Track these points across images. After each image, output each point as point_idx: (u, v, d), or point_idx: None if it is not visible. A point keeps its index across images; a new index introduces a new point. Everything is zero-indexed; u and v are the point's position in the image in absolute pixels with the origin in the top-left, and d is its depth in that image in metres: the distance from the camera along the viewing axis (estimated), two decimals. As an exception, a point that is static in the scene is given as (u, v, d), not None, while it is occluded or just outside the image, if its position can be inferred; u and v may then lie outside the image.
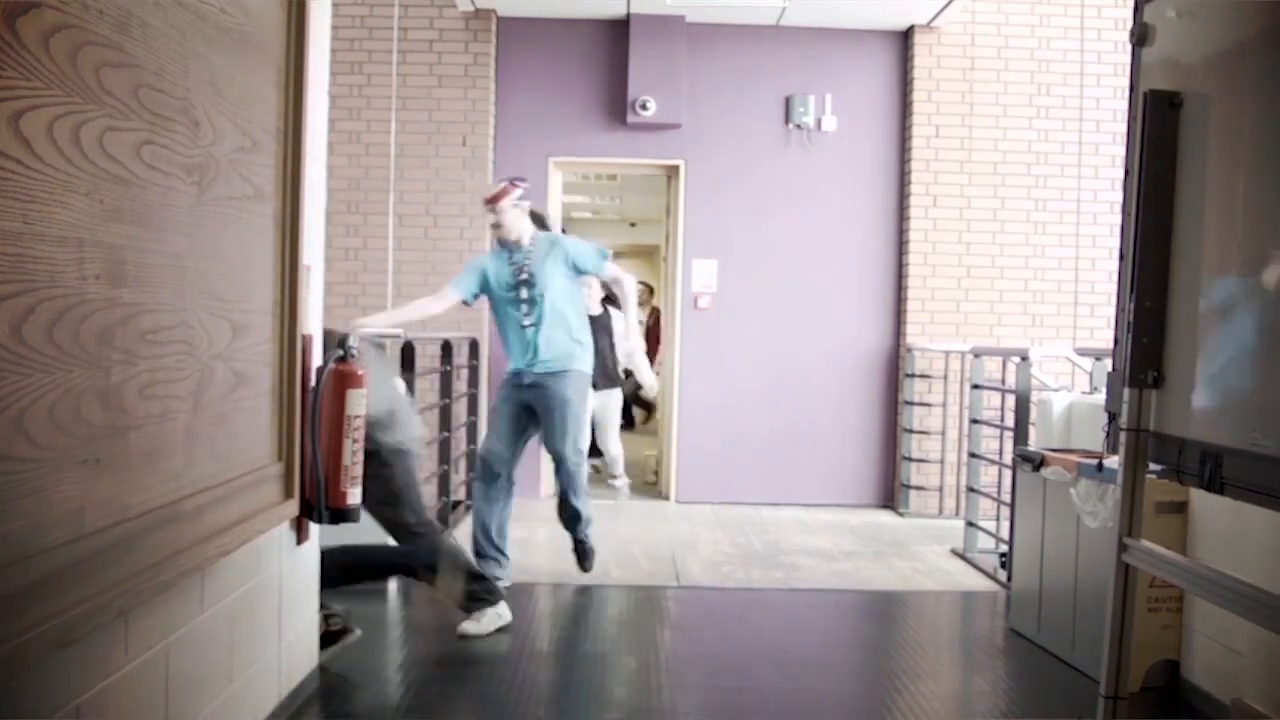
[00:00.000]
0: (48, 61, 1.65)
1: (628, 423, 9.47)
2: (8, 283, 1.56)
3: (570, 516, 4.78)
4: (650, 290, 11.07)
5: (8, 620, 1.57)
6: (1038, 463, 4.00)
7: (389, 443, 3.59)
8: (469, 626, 3.88)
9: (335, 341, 3.21)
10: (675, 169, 7.22)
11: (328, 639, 3.45)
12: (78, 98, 1.74)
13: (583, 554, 4.86)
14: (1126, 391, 2.44)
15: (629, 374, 7.00)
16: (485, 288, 4.71)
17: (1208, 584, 2.33)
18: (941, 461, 6.88)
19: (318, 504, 3.08)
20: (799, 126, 7.11)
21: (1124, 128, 2.64)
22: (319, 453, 3.06)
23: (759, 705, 3.36)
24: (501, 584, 4.49)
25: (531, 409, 4.65)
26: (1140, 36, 2.57)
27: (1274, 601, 2.06)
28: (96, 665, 1.94)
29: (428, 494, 5.80)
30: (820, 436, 7.12)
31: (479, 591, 3.92)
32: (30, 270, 1.62)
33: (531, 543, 5.59)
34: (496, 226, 4.63)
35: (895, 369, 7.15)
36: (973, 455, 5.68)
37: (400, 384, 4.06)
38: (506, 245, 4.65)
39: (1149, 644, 3.43)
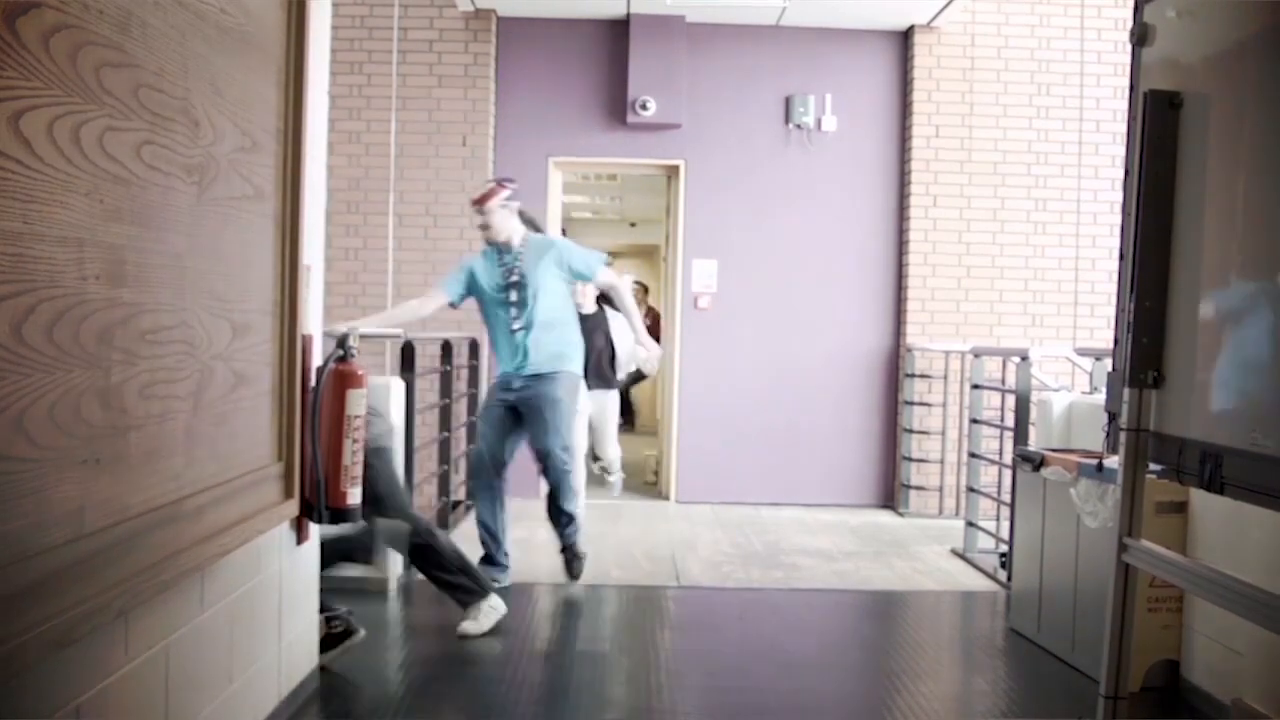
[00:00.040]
0: (48, 61, 1.65)
1: (627, 422, 9.42)
2: (8, 283, 1.56)
3: (557, 518, 4.73)
4: (645, 290, 11.07)
5: (8, 620, 1.57)
6: (1038, 463, 4.00)
7: (368, 441, 3.58)
8: (468, 626, 3.88)
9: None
10: (675, 169, 7.22)
11: (329, 641, 3.45)
12: (78, 98, 1.74)
13: (571, 559, 4.77)
14: (1126, 391, 2.44)
15: (640, 376, 7.03)
16: (473, 289, 4.64)
17: (1208, 584, 2.33)
18: (941, 461, 6.88)
19: (318, 504, 3.08)
20: (799, 126, 7.12)
21: (1124, 128, 2.64)
22: (319, 453, 3.06)
23: (759, 705, 3.36)
24: (500, 585, 4.50)
25: (518, 412, 4.60)
26: (1140, 36, 2.57)
27: (1274, 601, 2.06)
28: (96, 665, 1.94)
29: (427, 494, 5.84)
30: (820, 436, 7.12)
31: (467, 584, 3.90)
32: (30, 270, 1.62)
33: (531, 543, 5.59)
34: (485, 228, 4.58)
35: (895, 369, 7.15)
36: (973, 455, 5.68)
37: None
38: (496, 246, 4.60)
39: (1149, 644, 3.43)
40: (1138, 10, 2.58)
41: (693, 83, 7.07)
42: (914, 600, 4.75)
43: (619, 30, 7.08)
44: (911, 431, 6.92)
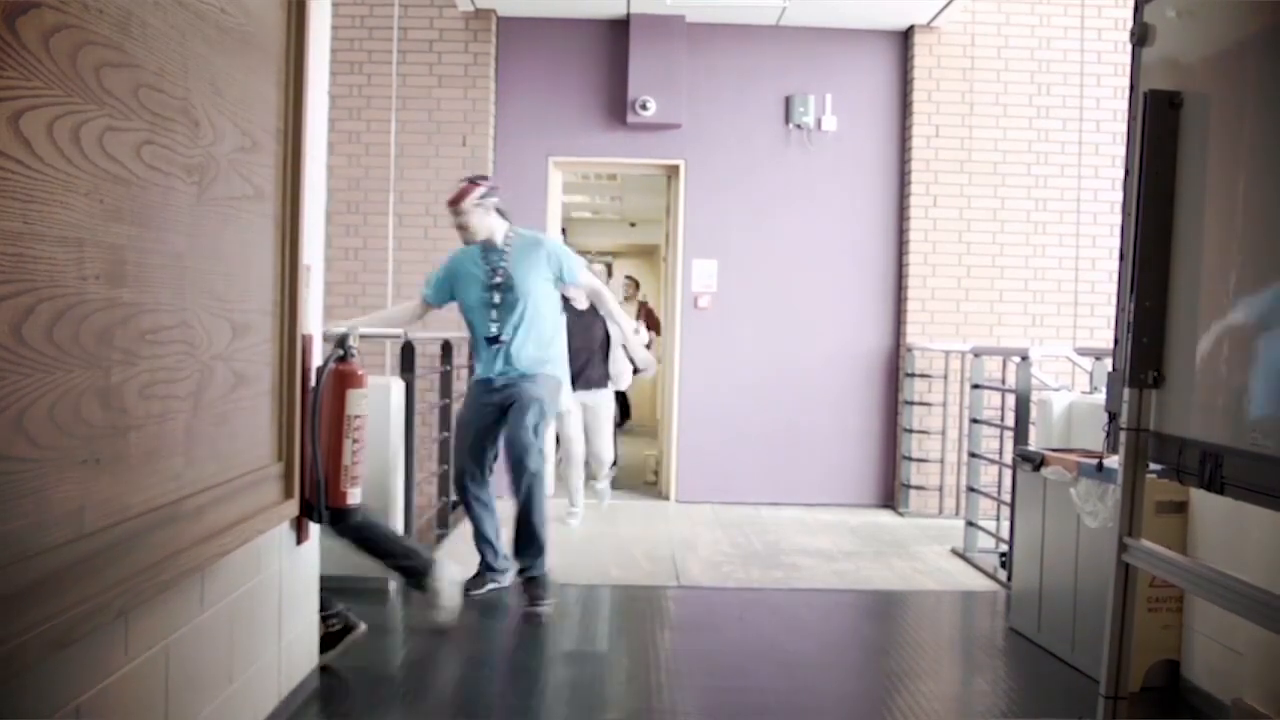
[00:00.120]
0: (48, 61, 1.65)
1: (620, 421, 9.34)
2: (8, 283, 1.56)
3: (526, 540, 4.31)
4: (636, 285, 11.06)
5: (8, 620, 1.57)
6: (1038, 462, 4.00)
7: None
8: (445, 615, 3.89)
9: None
10: (675, 169, 7.22)
11: (328, 640, 3.44)
12: (78, 98, 1.74)
13: (535, 588, 4.31)
14: (1126, 391, 2.44)
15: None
16: (455, 290, 4.48)
17: (1208, 584, 2.33)
18: (941, 461, 6.88)
19: (318, 504, 3.08)
20: (799, 126, 7.12)
21: (1124, 128, 2.64)
22: (319, 453, 3.07)
23: (759, 705, 3.36)
24: (501, 586, 4.47)
25: (503, 410, 4.37)
26: (1140, 36, 2.57)
27: (1274, 601, 2.06)
28: (96, 665, 1.94)
29: (428, 494, 5.83)
30: (820, 436, 7.12)
31: (412, 564, 3.88)
32: (30, 270, 1.62)
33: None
34: (462, 228, 4.39)
35: (895, 369, 7.15)
36: (973, 455, 5.68)
37: None
38: (479, 245, 4.43)
39: (1149, 644, 3.43)
40: (1138, 10, 2.58)
41: (693, 83, 7.07)
42: (914, 600, 4.75)
43: (619, 30, 7.08)
44: (911, 431, 6.92)
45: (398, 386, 4.68)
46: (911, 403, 6.92)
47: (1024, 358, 5.14)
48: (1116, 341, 2.57)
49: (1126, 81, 2.65)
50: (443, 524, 5.70)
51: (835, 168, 7.15)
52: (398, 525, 4.66)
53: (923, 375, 6.92)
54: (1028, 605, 4.10)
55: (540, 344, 4.39)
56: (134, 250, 1.96)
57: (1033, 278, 7.05)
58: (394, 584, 4.53)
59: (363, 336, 4.15)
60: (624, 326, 4.85)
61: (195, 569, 2.27)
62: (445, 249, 6.88)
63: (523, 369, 4.37)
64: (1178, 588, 3.31)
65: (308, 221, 2.96)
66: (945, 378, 6.86)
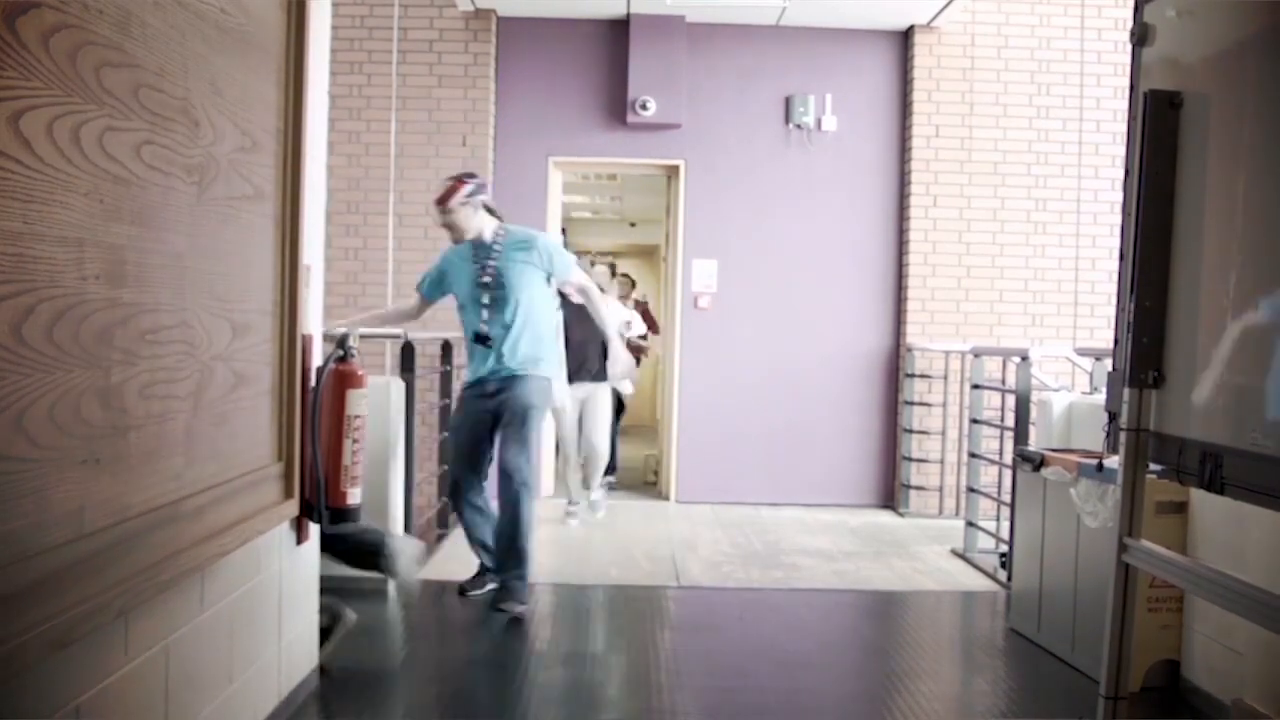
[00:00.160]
0: (48, 61, 1.65)
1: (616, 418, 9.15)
2: (8, 283, 1.56)
3: (509, 554, 4.23)
4: (632, 283, 11.02)
5: (8, 620, 1.57)
6: (1038, 463, 4.00)
7: None
8: (405, 586, 4.05)
9: None
10: (675, 169, 7.22)
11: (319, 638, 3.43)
12: (78, 98, 1.74)
13: (507, 594, 4.22)
14: (1126, 391, 2.44)
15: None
16: (447, 287, 4.43)
17: (1208, 584, 2.33)
18: (941, 461, 6.88)
19: (318, 504, 3.08)
20: (799, 126, 7.12)
21: (1124, 128, 2.64)
22: (319, 453, 3.06)
23: (759, 705, 3.36)
24: (496, 588, 4.43)
25: (497, 415, 4.31)
26: (1140, 36, 2.57)
27: (1274, 601, 2.06)
28: (96, 665, 1.94)
29: (427, 494, 5.84)
30: (820, 436, 7.12)
31: (371, 545, 3.92)
32: (30, 270, 1.62)
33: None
34: (450, 228, 4.31)
35: (895, 369, 7.15)
36: (973, 455, 5.68)
37: None
38: (470, 243, 4.34)
39: (1149, 644, 3.43)
40: (1138, 10, 2.58)
41: (693, 83, 7.07)
42: (914, 600, 4.75)
43: (619, 30, 7.08)
44: (911, 431, 6.92)
45: (398, 386, 4.68)
46: (911, 403, 6.92)
47: (1024, 358, 5.14)
48: (1116, 341, 2.57)
49: (1126, 81, 2.65)
50: (443, 524, 5.70)
51: (835, 168, 7.15)
52: (398, 525, 4.66)
53: (923, 375, 6.92)
54: (1028, 605, 4.10)
55: (533, 342, 4.31)
56: (134, 250, 1.96)
57: (1033, 278, 7.05)
58: (393, 584, 4.53)
59: (363, 336, 4.16)
60: (609, 331, 4.73)
61: (195, 569, 2.27)
62: (445, 249, 6.90)
63: (514, 368, 4.29)
64: (1178, 588, 3.31)
65: (308, 221, 2.96)
66: (945, 378, 6.86)
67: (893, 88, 7.18)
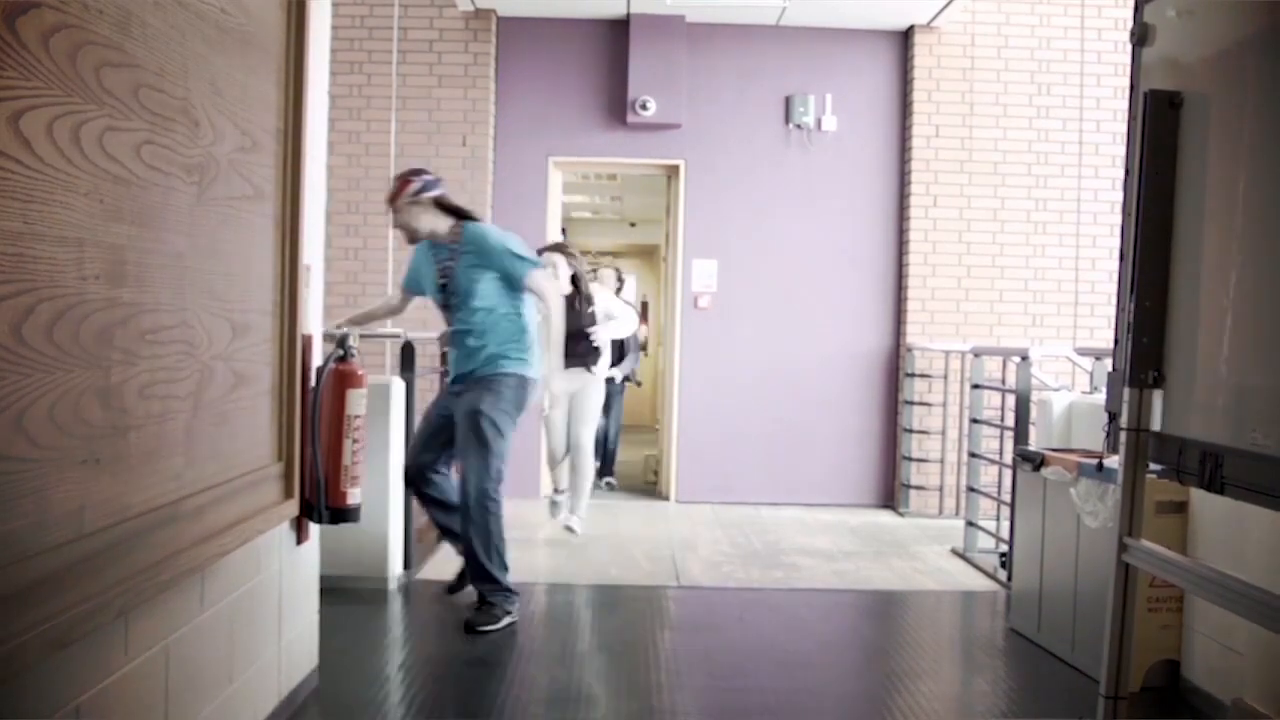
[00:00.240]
0: (47, 61, 1.65)
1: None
2: (8, 283, 1.56)
3: (473, 570, 4.11)
4: (621, 282, 10.97)
5: (8, 620, 1.57)
6: (1038, 463, 4.00)
7: None
8: None
9: None
10: (675, 169, 7.23)
11: None
12: (78, 98, 1.74)
13: (477, 614, 4.05)
14: (1126, 391, 2.44)
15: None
16: (421, 285, 4.29)
17: (1208, 584, 2.33)
18: (941, 461, 6.88)
19: (318, 504, 3.08)
20: (799, 126, 7.12)
21: (1124, 128, 2.64)
22: (319, 453, 3.06)
23: (759, 705, 3.36)
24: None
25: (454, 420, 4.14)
26: (1140, 36, 2.57)
27: (1274, 601, 2.06)
28: (96, 665, 1.94)
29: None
30: (820, 436, 7.12)
31: None
32: (30, 270, 1.62)
33: (531, 542, 5.59)
34: (400, 228, 4.13)
35: (895, 368, 7.15)
36: (973, 455, 5.68)
37: None
38: (429, 242, 4.16)
39: (1149, 644, 3.43)
40: (1138, 10, 2.58)
41: (693, 83, 7.07)
42: (914, 600, 4.75)
43: (619, 30, 7.08)
44: (911, 431, 6.92)
45: (398, 386, 4.68)
46: (911, 403, 6.92)
47: (1024, 358, 5.14)
48: (1116, 341, 2.57)
49: (1126, 81, 2.65)
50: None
51: (835, 168, 7.15)
52: (397, 525, 4.66)
53: (923, 375, 6.92)
54: (1028, 605, 4.10)
55: (499, 342, 4.10)
56: (134, 250, 1.96)
57: (1033, 278, 7.05)
58: (393, 584, 4.54)
59: (363, 336, 4.16)
60: (554, 331, 4.34)
61: (195, 569, 2.27)
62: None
63: (476, 368, 4.11)
64: (1178, 588, 3.31)
65: (308, 221, 2.96)
66: (945, 378, 6.86)
67: (893, 88, 7.18)
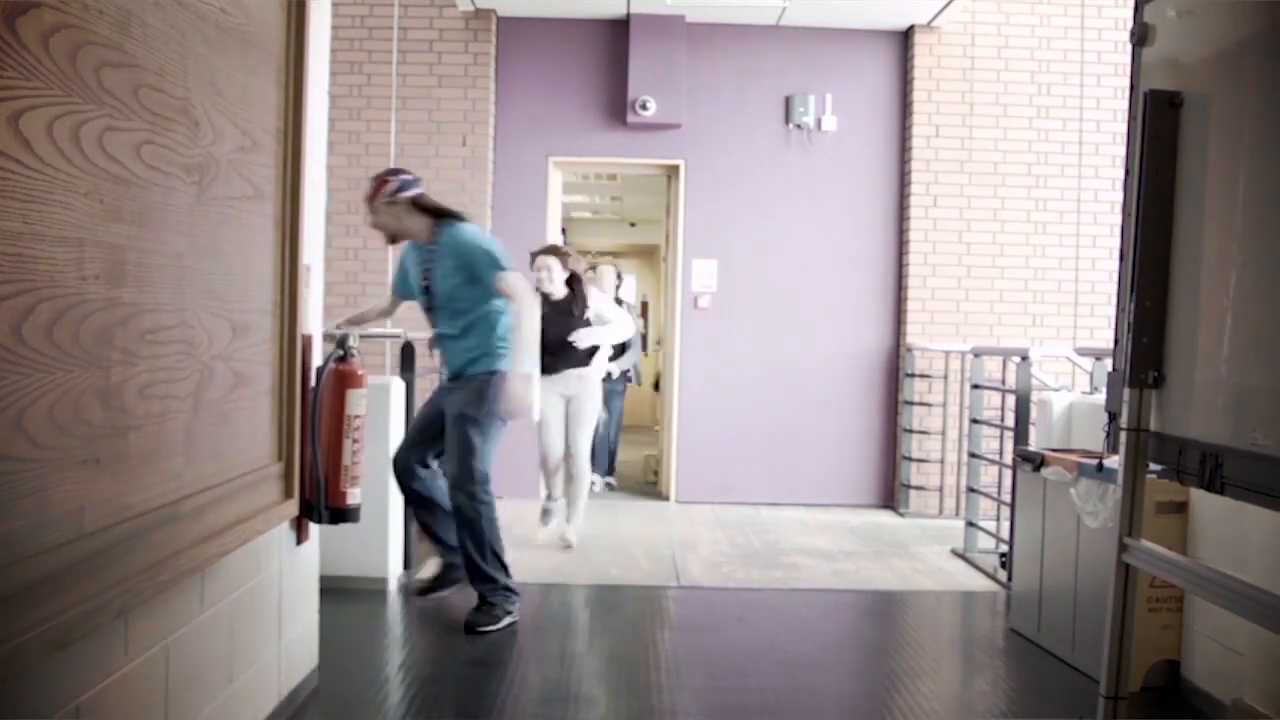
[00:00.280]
0: (47, 61, 1.65)
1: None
2: (8, 283, 1.56)
3: (470, 571, 4.08)
4: (620, 280, 10.94)
5: (8, 620, 1.57)
6: (1038, 463, 4.00)
7: None
8: None
9: None
10: (675, 169, 7.22)
11: None
12: (77, 98, 1.74)
13: (475, 614, 4.03)
14: (1126, 391, 2.44)
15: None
16: (409, 287, 4.23)
17: (1208, 584, 2.33)
18: (941, 461, 6.88)
19: (318, 504, 3.08)
20: (799, 126, 7.12)
21: (1124, 128, 2.64)
22: (319, 453, 3.06)
23: (759, 705, 3.36)
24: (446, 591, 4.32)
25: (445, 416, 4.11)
26: (1140, 36, 2.57)
27: (1274, 601, 2.06)
28: (96, 665, 1.94)
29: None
30: (820, 436, 7.12)
31: None
32: (30, 270, 1.62)
33: (531, 542, 5.59)
34: (378, 229, 4.07)
35: (895, 369, 7.15)
36: (973, 455, 5.68)
37: None
38: (414, 244, 4.12)
39: (1149, 644, 3.43)
40: (1138, 10, 2.58)
41: (693, 83, 7.07)
42: (914, 600, 4.75)
43: (619, 30, 7.08)
44: (911, 431, 6.91)
45: (398, 386, 4.68)
46: (911, 403, 6.92)
47: (1024, 358, 5.13)
48: (1116, 341, 2.57)
49: (1126, 81, 2.65)
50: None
51: (835, 168, 7.15)
52: (397, 525, 4.66)
53: (923, 375, 6.92)
54: (1028, 605, 4.10)
55: (483, 342, 4.04)
56: (134, 250, 1.96)
57: (1033, 278, 7.05)
58: (393, 584, 4.53)
59: (363, 336, 4.15)
60: (527, 335, 4.04)
61: (195, 569, 2.27)
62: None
63: (462, 368, 4.06)
64: (1178, 588, 3.31)
65: (308, 221, 2.96)
66: (945, 378, 6.86)
67: (893, 88, 7.18)
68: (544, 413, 5.51)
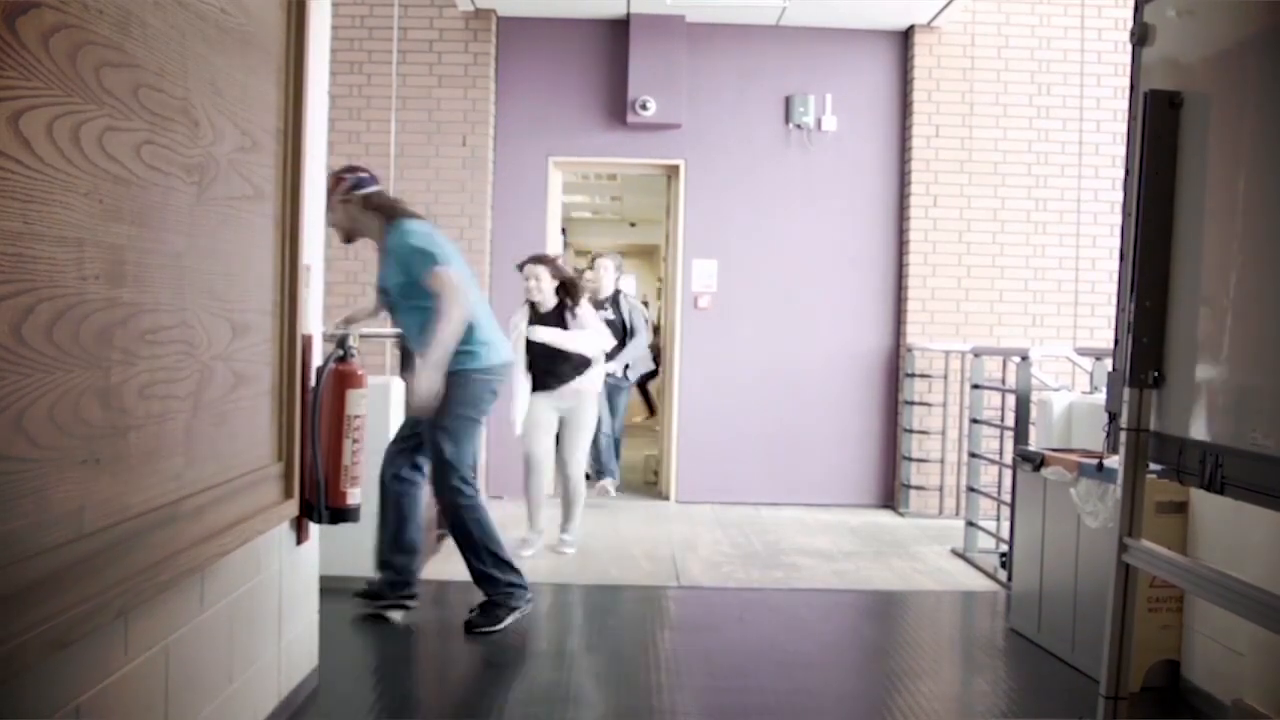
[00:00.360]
0: (47, 61, 1.65)
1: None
2: (8, 283, 1.56)
3: (472, 573, 4.02)
4: (620, 271, 10.82)
5: (8, 620, 1.57)
6: (1038, 463, 4.00)
7: None
8: None
9: None
10: (675, 169, 7.22)
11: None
12: (77, 98, 1.74)
13: (477, 614, 3.99)
14: (1126, 391, 2.44)
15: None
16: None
17: (1208, 584, 2.33)
18: (941, 461, 6.88)
19: (317, 504, 3.08)
20: (799, 126, 7.12)
21: (1124, 128, 2.64)
22: (319, 453, 3.06)
23: (759, 705, 3.36)
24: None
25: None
26: (1140, 36, 2.57)
27: (1274, 601, 2.06)
28: (96, 665, 1.94)
29: (426, 492, 5.82)
30: (820, 436, 7.12)
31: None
32: (30, 270, 1.62)
33: (528, 544, 5.58)
34: (333, 226, 3.84)
35: (895, 369, 7.15)
36: (973, 455, 5.68)
37: None
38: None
39: (1149, 644, 3.43)
40: (1138, 10, 2.58)
41: (693, 83, 7.07)
42: (914, 600, 4.75)
43: (619, 30, 7.08)
44: (911, 431, 6.91)
45: (398, 386, 4.68)
46: (911, 403, 6.92)
47: (1024, 358, 5.13)
48: (1116, 341, 2.57)
49: (1127, 81, 2.65)
50: (442, 524, 5.69)
51: (835, 168, 7.15)
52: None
53: (923, 375, 6.92)
54: (1028, 605, 4.10)
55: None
56: (134, 250, 1.96)
57: (1033, 278, 7.05)
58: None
59: (363, 336, 4.15)
60: (443, 331, 3.78)
61: (195, 569, 2.27)
62: (445, 249, 6.90)
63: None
64: (1178, 588, 3.31)
65: (308, 221, 2.96)
66: (945, 378, 6.86)
67: (893, 88, 7.18)
68: (532, 417, 5.33)
